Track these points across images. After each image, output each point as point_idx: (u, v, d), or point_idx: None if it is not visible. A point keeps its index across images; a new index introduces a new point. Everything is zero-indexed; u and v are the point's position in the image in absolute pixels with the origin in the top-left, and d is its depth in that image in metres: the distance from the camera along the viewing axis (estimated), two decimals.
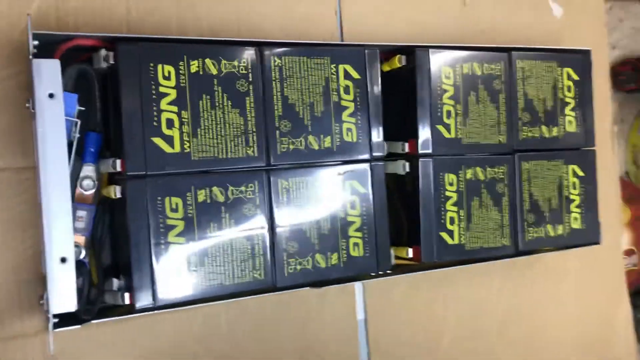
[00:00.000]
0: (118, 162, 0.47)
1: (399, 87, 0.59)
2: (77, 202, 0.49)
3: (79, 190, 0.49)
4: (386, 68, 0.59)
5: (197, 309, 0.55)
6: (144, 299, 0.47)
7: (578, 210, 0.65)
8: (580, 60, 0.66)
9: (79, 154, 0.49)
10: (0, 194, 0.50)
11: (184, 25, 0.56)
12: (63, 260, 0.44)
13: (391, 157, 0.58)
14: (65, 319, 0.46)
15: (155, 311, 0.49)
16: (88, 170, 0.50)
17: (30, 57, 0.44)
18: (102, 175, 0.50)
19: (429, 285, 0.67)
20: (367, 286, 0.64)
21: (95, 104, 0.50)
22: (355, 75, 0.55)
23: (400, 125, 0.59)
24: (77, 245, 0.48)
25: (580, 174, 0.66)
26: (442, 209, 0.58)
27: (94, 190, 0.50)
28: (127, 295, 0.47)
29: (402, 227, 0.60)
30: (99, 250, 0.51)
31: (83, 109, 0.49)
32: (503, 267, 0.69)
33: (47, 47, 0.46)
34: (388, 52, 0.59)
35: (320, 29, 0.62)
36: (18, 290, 0.50)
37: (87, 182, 0.49)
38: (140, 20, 0.54)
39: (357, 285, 0.64)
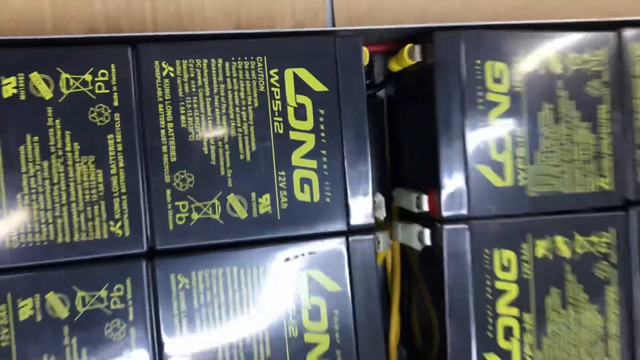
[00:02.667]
0: None
1: (414, 98, 0.35)
2: None
3: None
4: (395, 67, 0.35)
5: None
6: None
7: None
8: None
9: None
10: None
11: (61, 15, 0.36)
12: None
13: (404, 218, 0.35)
14: None
15: None
16: None
17: None
18: None
19: None
20: None
21: None
22: (315, 85, 0.31)
23: (418, 167, 0.35)
24: None
25: None
26: (490, 313, 0.33)
27: None
28: None
29: (431, 332, 0.35)
30: None
31: None
32: None
33: None
34: (397, 42, 0.35)
35: (296, 9, 0.39)
36: None
37: None
38: None
39: None
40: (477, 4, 0.41)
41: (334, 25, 0.40)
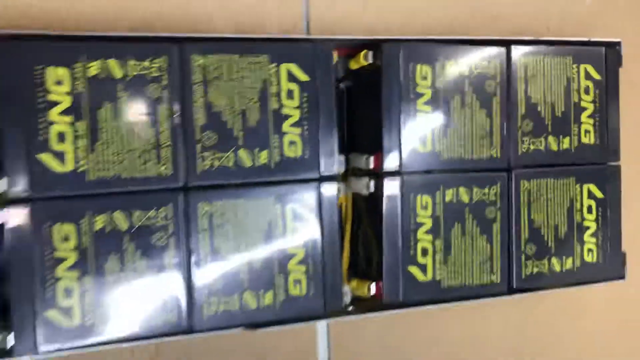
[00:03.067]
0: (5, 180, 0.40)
1: (367, 89, 0.49)
2: None
3: None
4: (354, 66, 0.50)
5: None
6: (24, 347, 0.40)
7: (594, 240, 0.54)
8: (602, 54, 0.54)
9: None
10: None
11: (78, 17, 0.48)
12: None
13: (354, 173, 0.49)
14: None
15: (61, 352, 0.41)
16: None
17: None
18: None
19: (406, 324, 0.57)
20: (333, 324, 0.55)
21: None
22: (301, 76, 0.45)
23: (366, 136, 0.49)
24: None
25: (598, 195, 0.54)
26: (412, 238, 0.48)
27: None
28: (10, 337, 0.40)
29: (368, 259, 0.50)
30: None
31: None
32: (502, 302, 0.58)
33: None
34: (355, 47, 0.49)
35: (279, 20, 0.53)
36: None
37: None
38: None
39: (321, 325, 0.54)
40: (412, 22, 0.56)
41: (308, 32, 0.54)
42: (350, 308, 0.50)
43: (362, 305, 0.50)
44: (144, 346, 0.49)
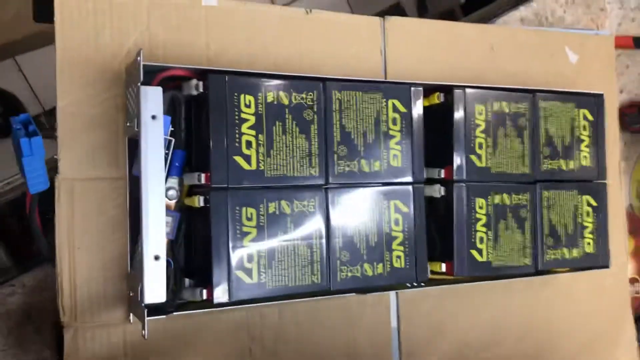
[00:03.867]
0: (203, 175, 0.55)
1: (437, 120, 0.67)
2: None
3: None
4: (426, 103, 0.68)
5: (255, 309, 0.63)
6: (221, 296, 0.54)
7: (591, 236, 0.73)
8: (594, 102, 0.75)
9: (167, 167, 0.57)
10: (97, 200, 0.57)
11: (253, 61, 0.64)
12: (156, 257, 0.52)
13: (428, 182, 0.66)
14: (150, 311, 0.53)
15: (228, 307, 0.56)
16: (173, 182, 0.57)
17: (139, 84, 0.52)
18: (183, 187, 0.58)
19: (455, 299, 0.74)
20: (401, 296, 0.71)
21: (181, 125, 0.58)
22: (402, 109, 0.63)
23: (437, 154, 0.67)
24: None
25: (593, 203, 0.73)
26: (473, 229, 0.66)
27: (176, 200, 0.58)
28: (204, 291, 0.55)
29: (434, 245, 0.67)
30: (177, 252, 0.58)
31: (172, 129, 0.57)
32: (521, 285, 0.77)
33: (145, 75, 0.54)
34: (428, 90, 0.67)
35: (368, 67, 0.71)
36: (105, 286, 0.58)
37: (171, 192, 0.57)
38: (217, 54, 0.63)
39: (392, 295, 0.71)
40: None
41: (385, 77, 0.72)
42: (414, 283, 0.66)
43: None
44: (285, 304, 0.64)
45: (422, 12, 1.63)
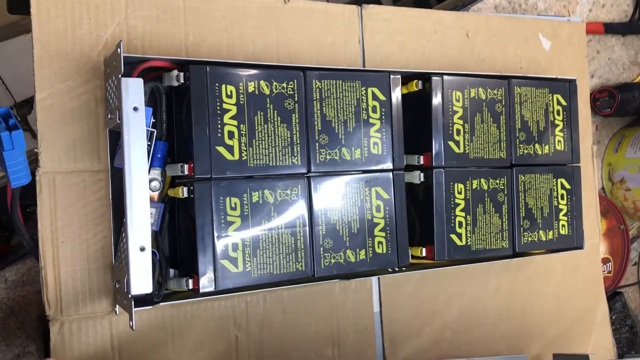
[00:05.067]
0: (186, 166, 0.55)
1: (415, 107, 0.68)
2: None
3: None
4: (404, 91, 0.68)
5: (240, 297, 0.63)
6: (207, 285, 0.55)
7: (565, 218, 0.75)
8: (567, 87, 0.76)
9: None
10: (79, 192, 0.57)
11: (232, 50, 0.65)
12: (142, 249, 0.52)
13: (408, 168, 0.68)
14: (137, 301, 0.54)
15: (213, 296, 0.56)
16: (155, 173, 0.57)
17: (120, 76, 0.51)
18: (165, 178, 0.58)
19: (435, 282, 0.76)
20: (383, 281, 0.72)
21: (162, 116, 0.58)
22: (381, 97, 0.64)
23: (416, 141, 0.68)
24: None
25: (567, 186, 0.75)
26: (452, 214, 0.67)
27: (159, 191, 0.58)
28: (190, 281, 0.55)
29: (415, 230, 0.69)
30: (162, 243, 0.59)
31: (154, 120, 0.57)
32: (499, 267, 0.79)
33: (125, 66, 0.54)
34: (406, 78, 0.68)
35: (347, 56, 0.71)
36: (90, 278, 0.58)
37: (154, 184, 0.57)
38: (196, 44, 0.63)
39: (374, 280, 0.72)
40: (428, 60, 0.76)
41: (364, 65, 0.72)
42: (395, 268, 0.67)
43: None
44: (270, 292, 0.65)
45: None
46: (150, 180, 0.57)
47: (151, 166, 0.57)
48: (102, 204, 0.58)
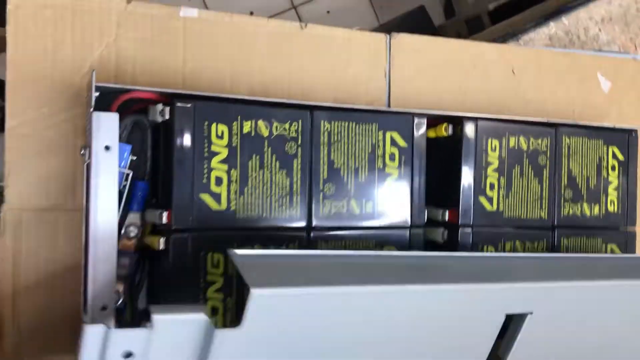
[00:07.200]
0: (165, 214, 0.48)
1: (443, 154, 0.59)
2: (120, 249, 0.50)
3: (123, 238, 0.50)
4: (432, 134, 0.60)
5: None
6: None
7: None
8: (626, 139, 0.66)
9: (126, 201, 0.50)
10: (48, 234, 0.51)
11: (237, 80, 0.57)
12: (103, 308, 0.45)
13: (429, 223, 0.59)
14: None
15: None
16: (134, 217, 0.50)
17: (91, 109, 0.45)
18: (145, 223, 0.51)
19: None
20: None
21: (146, 153, 0.51)
22: (401, 143, 0.55)
23: (441, 192, 0.59)
24: (116, 292, 0.49)
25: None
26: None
27: (137, 237, 0.51)
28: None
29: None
30: (136, 294, 0.52)
31: (134, 158, 0.50)
32: None
33: (106, 95, 0.48)
34: (435, 119, 0.59)
35: (369, 91, 0.63)
36: (55, 334, 0.51)
37: (131, 229, 0.50)
38: (195, 72, 0.56)
39: None
40: (464, 100, 0.67)
41: (389, 102, 0.64)
42: None
43: None
44: None
45: (449, 15, 1.55)
46: (128, 226, 0.50)
47: (129, 210, 0.50)
48: (73, 248, 0.51)
